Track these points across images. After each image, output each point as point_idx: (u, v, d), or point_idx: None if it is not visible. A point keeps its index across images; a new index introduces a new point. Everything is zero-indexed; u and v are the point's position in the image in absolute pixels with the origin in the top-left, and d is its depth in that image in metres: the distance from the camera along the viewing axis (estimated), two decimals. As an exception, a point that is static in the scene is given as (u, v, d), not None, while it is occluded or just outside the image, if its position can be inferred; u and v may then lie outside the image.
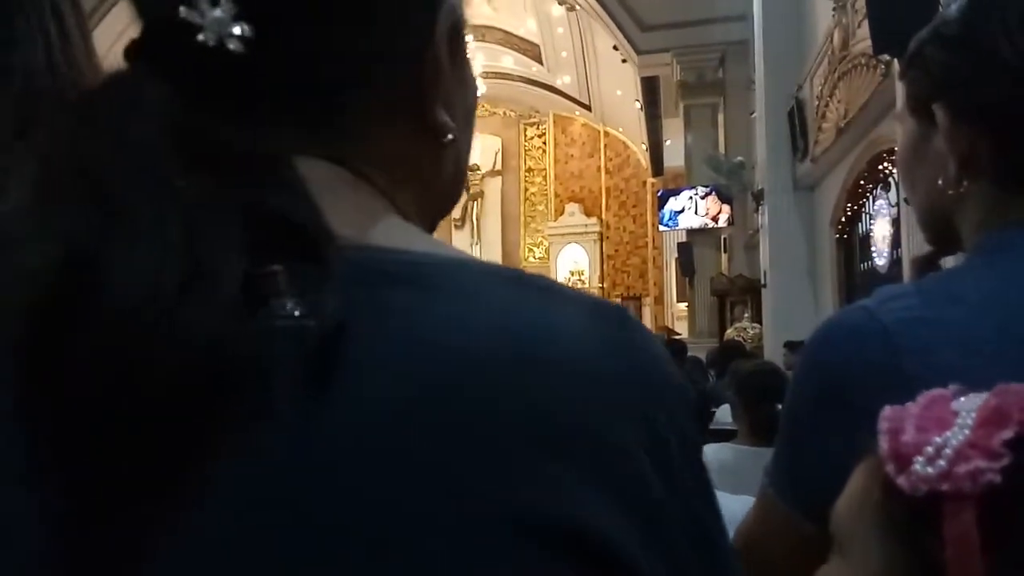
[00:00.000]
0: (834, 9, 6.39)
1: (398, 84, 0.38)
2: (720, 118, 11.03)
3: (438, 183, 0.42)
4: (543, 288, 0.34)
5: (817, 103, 7.15)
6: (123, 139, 0.31)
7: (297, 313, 0.28)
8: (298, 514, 0.27)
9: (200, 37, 0.33)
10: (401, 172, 0.39)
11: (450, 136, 0.40)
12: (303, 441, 0.28)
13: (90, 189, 0.29)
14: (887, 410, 0.49)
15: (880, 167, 6.15)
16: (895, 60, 4.35)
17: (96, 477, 0.27)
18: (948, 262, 0.79)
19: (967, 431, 0.44)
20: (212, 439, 0.27)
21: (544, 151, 16.73)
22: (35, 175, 0.30)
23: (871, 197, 6.68)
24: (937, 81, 0.69)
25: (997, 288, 0.64)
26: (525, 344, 0.31)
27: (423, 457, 0.28)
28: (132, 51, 0.35)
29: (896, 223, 5.75)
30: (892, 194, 5.98)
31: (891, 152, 5.62)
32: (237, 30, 0.33)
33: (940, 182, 0.69)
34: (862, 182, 6.63)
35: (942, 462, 0.43)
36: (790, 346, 5.64)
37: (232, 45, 0.33)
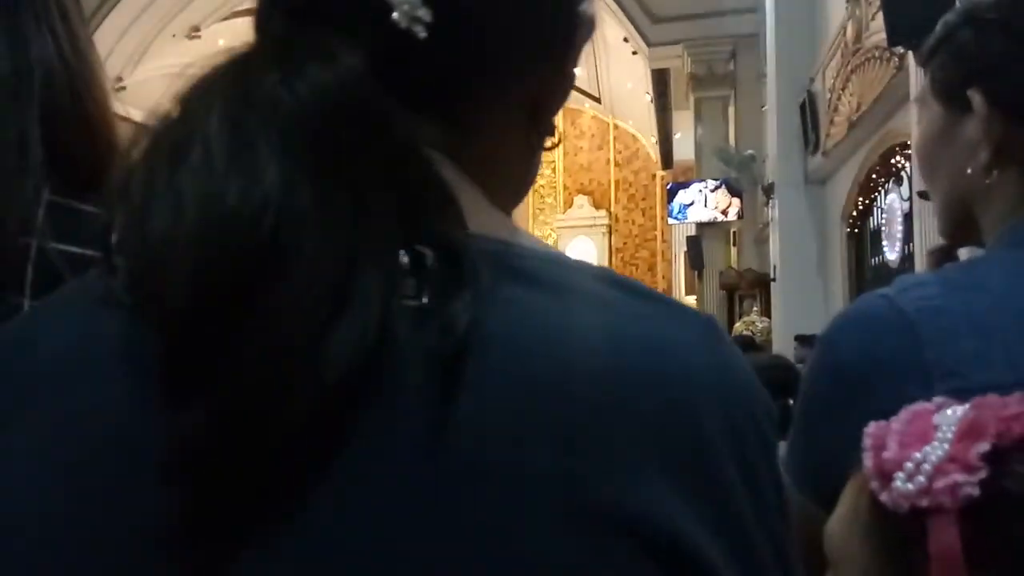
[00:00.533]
0: (847, 1, 6.34)
1: (528, 82, 0.38)
2: (731, 111, 10.96)
3: (522, 181, 0.42)
4: (648, 296, 0.34)
5: (829, 96, 7.10)
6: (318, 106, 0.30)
7: (435, 324, 0.29)
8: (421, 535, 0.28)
9: (394, 15, 0.32)
10: (498, 167, 0.39)
11: (549, 138, 0.41)
12: (429, 459, 0.28)
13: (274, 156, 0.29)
14: (871, 426, 0.49)
15: (892, 161, 6.10)
16: (909, 52, 4.30)
17: (215, 493, 0.27)
18: (962, 254, 0.79)
19: (946, 445, 0.44)
20: (341, 454, 0.28)
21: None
22: (227, 141, 0.30)
23: (883, 191, 6.63)
24: (973, 66, 0.67)
25: (1021, 279, 0.64)
26: (640, 354, 0.31)
27: (544, 468, 0.28)
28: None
29: (908, 218, 5.71)
30: (904, 188, 5.93)
31: (904, 146, 5.58)
32: (424, 14, 0.32)
33: (969, 170, 0.68)
34: (874, 176, 6.58)
35: (921, 478, 0.43)
36: (801, 339, 5.61)
37: (419, 28, 0.32)
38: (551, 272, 0.33)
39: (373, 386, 0.28)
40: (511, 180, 0.41)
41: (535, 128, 0.40)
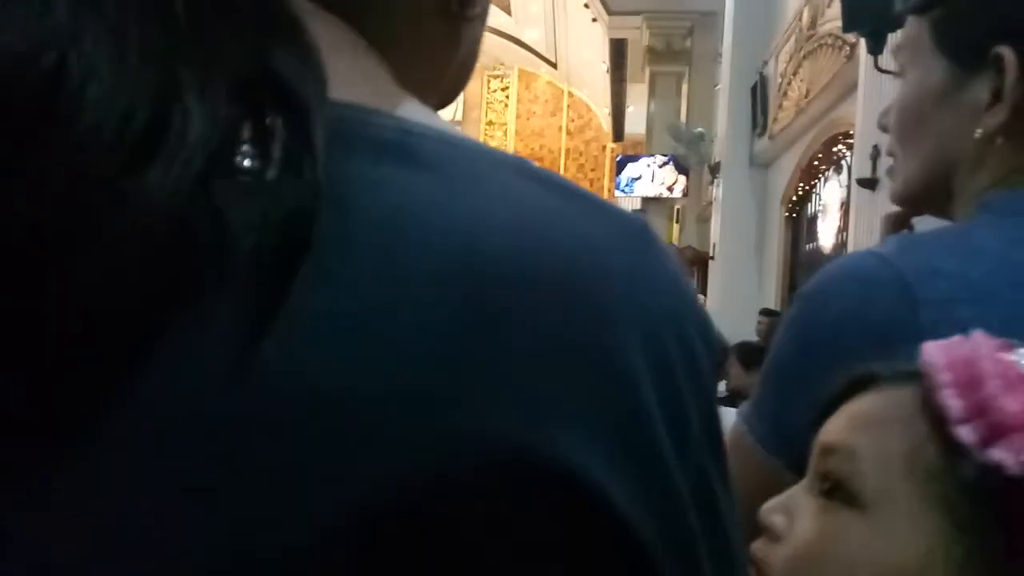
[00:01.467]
0: (806, -14, 6.40)
1: None
2: (684, 88, 11.03)
3: (449, 65, 0.37)
4: (570, 191, 0.29)
5: (780, 80, 7.19)
6: None
7: (269, 177, 0.23)
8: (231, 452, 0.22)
9: None
10: (414, 45, 0.34)
11: (478, 8, 0.35)
12: (247, 355, 0.22)
13: None
14: (939, 355, 0.44)
15: (835, 149, 6.23)
16: (861, 42, 4.37)
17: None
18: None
19: None
20: (147, 334, 0.22)
21: (506, 105, 16.53)
22: None
23: (823, 178, 6.78)
24: (1005, 22, 0.63)
25: (1016, 245, 0.61)
26: (546, 257, 0.26)
27: (399, 379, 0.23)
28: None
29: (845, 206, 5.85)
30: (844, 177, 6.07)
31: (847, 135, 5.69)
32: None
33: (978, 133, 0.64)
34: (816, 163, 6.71)
35: None
36: (767, 313, 5.69)
37: None
38: (443, 154, 0.27)
39: (187, 271, 0.22)
40: (437, 62, 0.36)
41: None
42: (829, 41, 5.76)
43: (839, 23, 4.50)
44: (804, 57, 6.41)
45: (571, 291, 0.26)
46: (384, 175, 0.25)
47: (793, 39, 6.79)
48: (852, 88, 5.05)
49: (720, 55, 8.99)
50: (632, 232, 0.29)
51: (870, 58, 4.03)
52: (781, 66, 7.19)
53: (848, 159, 5.84)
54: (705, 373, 0.29)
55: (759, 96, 7.66)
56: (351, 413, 0.23)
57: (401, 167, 0.26)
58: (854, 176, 4.63)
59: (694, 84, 10.74)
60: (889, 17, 3.34)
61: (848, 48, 5.25)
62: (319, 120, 0.24)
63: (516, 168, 0.29)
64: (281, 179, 0.23)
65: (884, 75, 3.95)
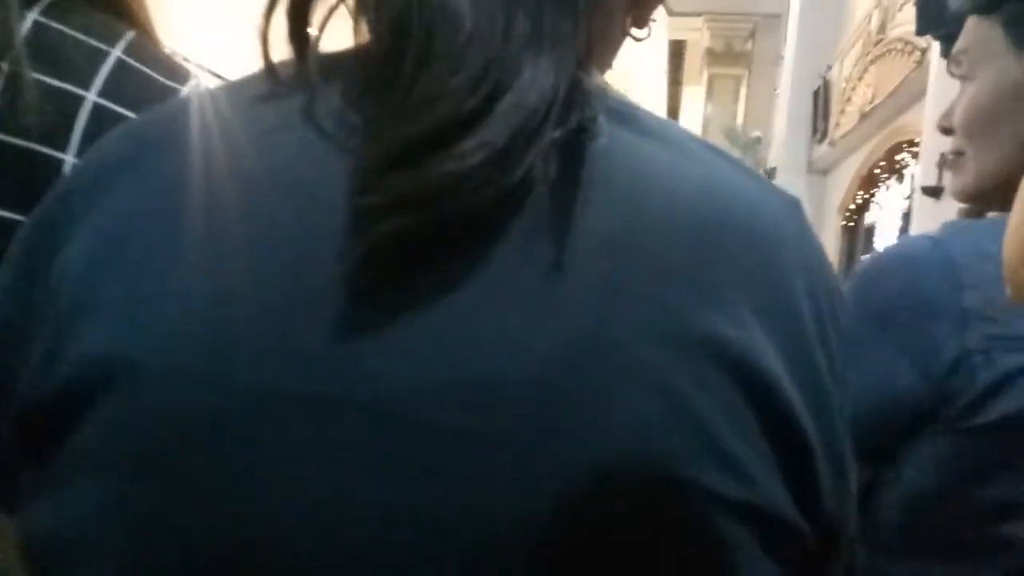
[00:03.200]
0: (876, -10, 6.24)
1: None
2: (742, 91, 10.86)
3: (607, 65, 0.45)
4: (748, 169, 0.36)
5: (844, 85, 7.03)
6: None
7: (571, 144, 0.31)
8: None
9: None
10: (598, 45, 0.41)
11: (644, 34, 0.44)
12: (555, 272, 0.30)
13: None
14: None
15: (898, 157, 6.07)
16: (932, 48, 4.24)
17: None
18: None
19: None
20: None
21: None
22: None
23: (884, 187, 6.62)
24: None
25: None
26: (740, 211, 0.33)
27: (641, 293, 0.30)
28: None
29: (907, 216, 5.70)
30: (906, 186, 5.91)
31: (911, 143, 5.54)
32: None
33: None
34: (877, 171, 6.55)
35: None
36: None
37: None
38: (662, 127, 0.35)
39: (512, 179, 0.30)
40: (603, 62, 0.44)
41: (633, 12, 0.43)
42: (899, 46, 5.61)
43: (910, 27, 4.38)
44: (871, 62, 6.26)
45: (760, 242, 0.33)
46: (623, 136, 0.34)
47: (860, 43, 6.64)
48: (920, 94, 4.92)
49: (782, 58, 8.83)
50: (796, 207, 0.36)
51: (941, 63, 3.91)
52: (846, 70, 7.03)
53: (912, 168, 5.69)
54: (841, 325, 0.35)
55: (821, 100, 7.50)
56: (633, 300, 0.31)
57: (632, 132, 0.34)
58: (918, 184, 4.50)
59: (753, 87, 10.58)
60: (964, 21, 3.23)
61: (919, 53, 5.11)
62: (599, 99, 0.33)
63: (705, 144, 0.36)
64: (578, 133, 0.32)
65: (955, 80, 3.82)
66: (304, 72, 0.34)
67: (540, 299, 0.30)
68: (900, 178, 6.15)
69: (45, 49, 0.58)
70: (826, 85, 7.49)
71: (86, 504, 0.30)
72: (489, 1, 0.31)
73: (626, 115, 0.35)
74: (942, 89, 4.21)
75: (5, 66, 0.57)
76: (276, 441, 0.29)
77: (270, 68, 0.35)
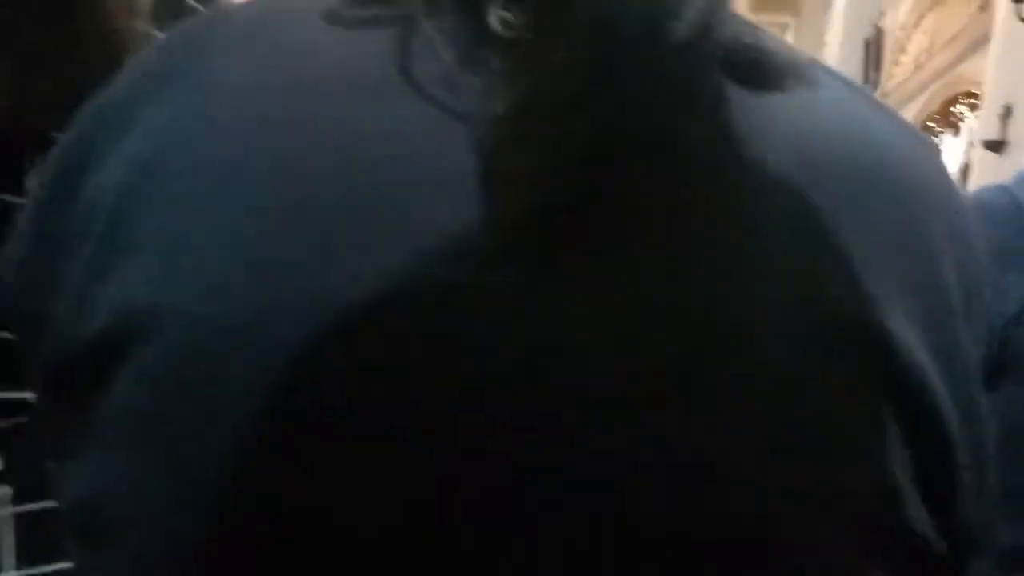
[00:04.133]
0: (937, -69, 5.94)
1: None
2: (789, 39, 10.54)
3: None
4: (887, 107, 0.33)
5: (899, 34, 6.76)
6: None
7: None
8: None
9: None
10: None
11: None
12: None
13: None
14: None
15: (953, 110, 5.84)
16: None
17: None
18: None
19: None
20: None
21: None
22: None
23: (939, 140, 6.38)
24: None
25: None
26: (892, 164, 0.30)
27: (781, 265, 0.27)
28: None
29: (965, 170, 5.50)
30: (962, 139, 5.70)
31: (968, 95, 5.32)
32: None
33: None
34: (931, 124, 6.32)
35: None
36: None
37: None
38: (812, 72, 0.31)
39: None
40: None
41: None
42: (960, -10, 5.35)
43: (974, -30, 4.15)
44: (929, 8, 5.99)
45: (906, 201, 0.30)
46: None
47: (918, -12, 6.35)
48: (979, 43, 4.70)
49: (831, 5, 8.52)
50: (936, 151, 0.33)
51: (1009, 8, 3.71)
52: (901, 18, 6.75)
53: (969, 120, 5.47)
54: (985, 284, 0.32)
55: (873, 50, 7.23)
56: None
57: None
58: (978, 137, 4.32)
59: (800, 35, 10.26)
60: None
61: (982, -2, 4.87)
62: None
63: (855, 87, 0.33)
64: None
65: (1023, 27, 3.64)
66: None
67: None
68: (956, 131, 5.93)
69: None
70: (879, 33, 7.21)
71: (123, 470, 0.27)
72: None
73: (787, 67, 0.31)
74: (1010, 36, 3.99)
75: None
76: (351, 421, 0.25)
77: None
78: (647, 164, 0.26)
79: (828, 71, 0.32)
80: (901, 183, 0.30)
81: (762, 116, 0.28)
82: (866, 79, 7.39)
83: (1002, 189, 0.68)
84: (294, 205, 0.26)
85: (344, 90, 0.28)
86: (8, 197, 0.54)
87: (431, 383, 0.25)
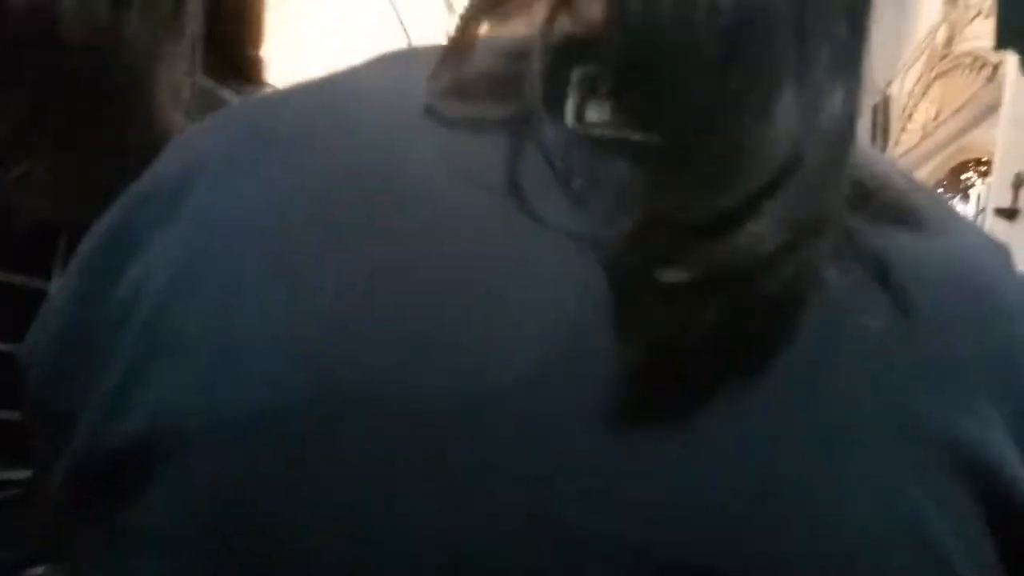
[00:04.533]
0: (944, 3, 6.07)
1: None
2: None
3: None
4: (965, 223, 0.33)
5: (907, 101, 6.85)
6: None
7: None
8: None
9: None
10: None
11: None
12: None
13: None
14: None
15: (963, 176, 5.88)
16: (1005, 62, 4.09)
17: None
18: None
19: None
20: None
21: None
22: None
23: (948, 207, 6.41)
24: None
25: None
26: (1004, 290, 0.30)
27: (889, 381, 0.27)
28: None
29: (973, 236, 5.50)
30: (971, 207, 5.72)
31: (978, 162, 5.36)
32: None
33: None
34: (940, 190, 6.35)
35: None
36: None
37: None
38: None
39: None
40: None
41: None
42: (967, 61, 5.43)
43: (980, 42, 4.23)
44: (936, 77, 6.08)
45: (994, 313, 0.30)
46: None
47: (924, 58, 6.45)
48: (989, 111, 4.75)
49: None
50: (1008, 259, 0.32)
51: (1018, 79, 3.76)
52: (908, 86, 6.85)
53: (978, 187, 5.50)
54: None
55: (881, 117, 7.31)
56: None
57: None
58: (991, 205, 4.33)
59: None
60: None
61: (990, 69, 4.94)
62: None
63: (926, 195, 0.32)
64: None
65: (1032, 97, 3.68)
66: (514, 96, 0.27)
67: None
68: (966, 198, 5.95)
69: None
70: (886, 101, 7.30)
71: None
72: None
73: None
74: (1018, 105, 4.04)
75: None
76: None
77: (457, 78, 0.27)
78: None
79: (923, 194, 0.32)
80: (991, 299, 0.30)
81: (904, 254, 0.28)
82: (874, 145, 7.46)
83: None
84: (373, 319, 0.24)
85: (437, 197, 0.25)
86: (40, 284, 0.52)
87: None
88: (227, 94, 0.60)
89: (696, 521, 0.24)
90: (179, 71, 0.56)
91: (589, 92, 0.27)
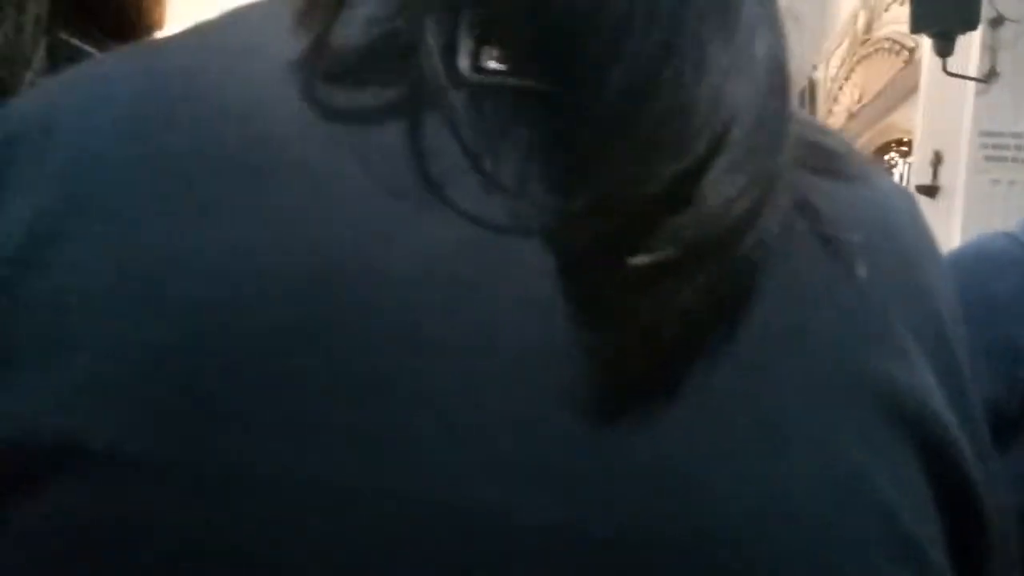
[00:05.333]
0: (862, -10, 6.27)
1: None
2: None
3: None
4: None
5: (830, 85, 7.06)
6: None
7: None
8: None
9: None
10: None
11: None
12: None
13: None
14: None
15: (887, 157, 6.09)
16: (922, 46, 4.26)
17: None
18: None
19: None
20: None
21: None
22: None
23: (873, 186, 6.62)
24: None
25: None
26: (915, 233, 0.31)
27: (820, 333, 0.26)
28: None
29: (898, 214, 5.70)
30: (896, 185, 5.93)
31: (900, 143, 5.56)
32: None
33: None
34: (865, 170, 6.56)
35: None
36: None
37: None
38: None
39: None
40: None
41: None
42: (886, 45, 5.63)
43: (898, 27, 4.39)
44: (858, 62, 6.28)
45: (907, 253, 0.30)
46: None
47: (847, 43, 6.66)
48: (909, 93, 4.93)
49: (766, 59, 8.84)
50: (910, 196, 0.33)
51: (934, 61, 3.91)
52: (832, 70, 7.06)
53: (900, 167, 5.71)
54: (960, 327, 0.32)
55: (807, 102, 7.52)
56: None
57: None
58: (913, 183, 4.51)
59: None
60: (963, 18, 3.24)
61: (907, 53, 5.13)
62: None
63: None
64: None
65: (948, 79, 3.84)
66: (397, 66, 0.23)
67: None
68: (889, 177, 6.17)
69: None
70: (811, 86, 7.51)
71: None
72: None
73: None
74: (935, 87, 4.21)
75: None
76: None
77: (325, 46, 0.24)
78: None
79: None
80: (901, 239, 0.30)
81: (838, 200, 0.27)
82: (802, 129, 7.65)
83: (1007, 237, 0.64)
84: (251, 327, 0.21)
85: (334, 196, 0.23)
86: None
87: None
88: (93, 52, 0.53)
89: (658, 500, 0.22)
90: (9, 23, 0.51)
91: (481, 40, 0.24)
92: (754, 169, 0.23)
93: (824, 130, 0.32)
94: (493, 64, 0.24)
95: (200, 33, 0.27)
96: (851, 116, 6.39)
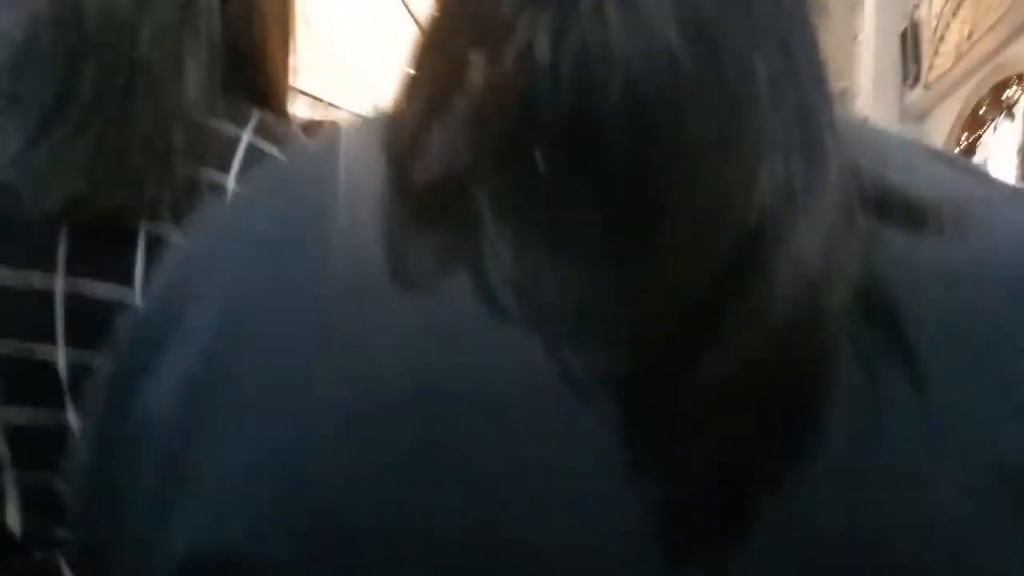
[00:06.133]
0: (964, -83, 5.84)
1: None
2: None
3: None
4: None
5: (936, 24, 6.62)
6: None
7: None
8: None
9: None
10: None
11: None
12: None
13: None
14: None
15: (1005, 94, 5.67)
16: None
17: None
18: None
19: None
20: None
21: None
22: None
23: (991, 127, 6.19)
24: None
25: None
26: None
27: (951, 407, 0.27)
28: None
29: (1023, 153, 5.32)
30: (1018, 123, 5.52)
31: (1021, 77, 5.16)
32: None
33: None
34: (982, 111, 6.14)
35: None
36: None
37: None
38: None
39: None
40: None
41: None
42: (997, -26, 5.22)
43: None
44: (965, -5, 5.86)
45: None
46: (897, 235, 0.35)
47: (950, -24, 6.23)
48: (1027, 24, 4.55)
49: (860, 3, 8.42)
50: None
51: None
52: (936, 8, 6.62)
53: (1022, 103, 5.31)
54: None
55: (910, 43, 7.09)
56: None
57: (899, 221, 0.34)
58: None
59: (827, 37, 10.17)
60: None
61: (1023, -21, 4.74)
62: None
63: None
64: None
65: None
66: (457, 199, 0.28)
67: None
68: (1010, 116, 5.75)
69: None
70: (914, 26, 7.08)
71: None
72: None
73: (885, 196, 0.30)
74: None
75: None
76: None
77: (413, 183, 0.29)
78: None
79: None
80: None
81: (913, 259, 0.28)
82: (905, 73, 7.24)
83: None
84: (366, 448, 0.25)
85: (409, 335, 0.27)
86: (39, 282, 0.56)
87: None
88: (231, 129, 0.61)
89: None
90: (200, 70, 0.61)
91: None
92: (811, 260, 0.26)
93: (937, 158, 0.34)
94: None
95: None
96: (960, 55, 5.97)
